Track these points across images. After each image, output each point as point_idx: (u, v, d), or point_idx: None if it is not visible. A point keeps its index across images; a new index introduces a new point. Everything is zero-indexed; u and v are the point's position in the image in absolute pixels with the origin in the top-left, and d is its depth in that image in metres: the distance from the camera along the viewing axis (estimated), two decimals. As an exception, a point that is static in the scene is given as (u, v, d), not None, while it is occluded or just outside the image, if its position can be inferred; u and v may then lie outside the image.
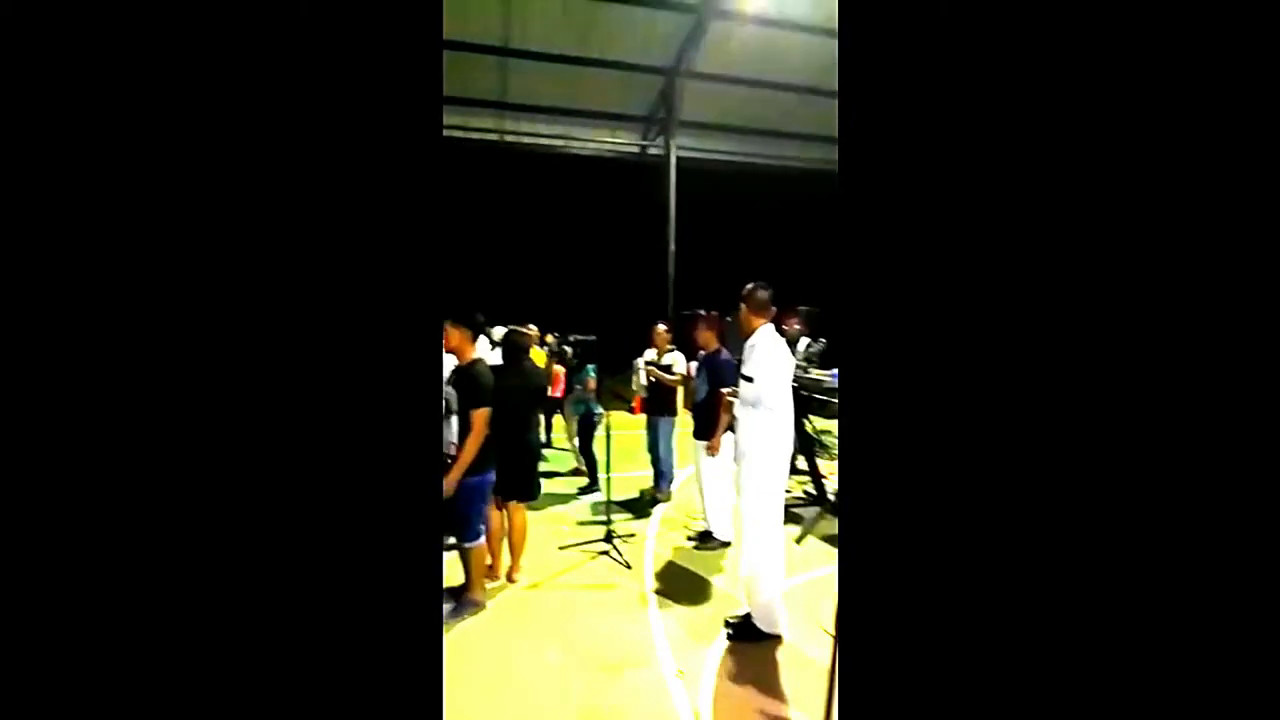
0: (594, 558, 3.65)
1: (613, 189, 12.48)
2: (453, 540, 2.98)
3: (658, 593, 3.23)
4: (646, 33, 9.88)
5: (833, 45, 9.83)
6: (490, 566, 3.25)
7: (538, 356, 4.77)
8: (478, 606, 2.97)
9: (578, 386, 5.10)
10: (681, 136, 11.30)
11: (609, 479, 4.04)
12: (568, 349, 5.30)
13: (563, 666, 2.52)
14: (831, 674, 1.78)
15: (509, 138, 11.40)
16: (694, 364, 4.19)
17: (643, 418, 4.84)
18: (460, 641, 2.70)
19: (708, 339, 3.85)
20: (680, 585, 3.32)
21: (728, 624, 2.79)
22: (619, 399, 5.17)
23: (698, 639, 2.74)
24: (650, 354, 4.71)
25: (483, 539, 2.97)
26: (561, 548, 3.78)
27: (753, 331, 2.70)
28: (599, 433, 4.76)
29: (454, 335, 2.85)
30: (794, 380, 2.80)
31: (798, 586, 3.15)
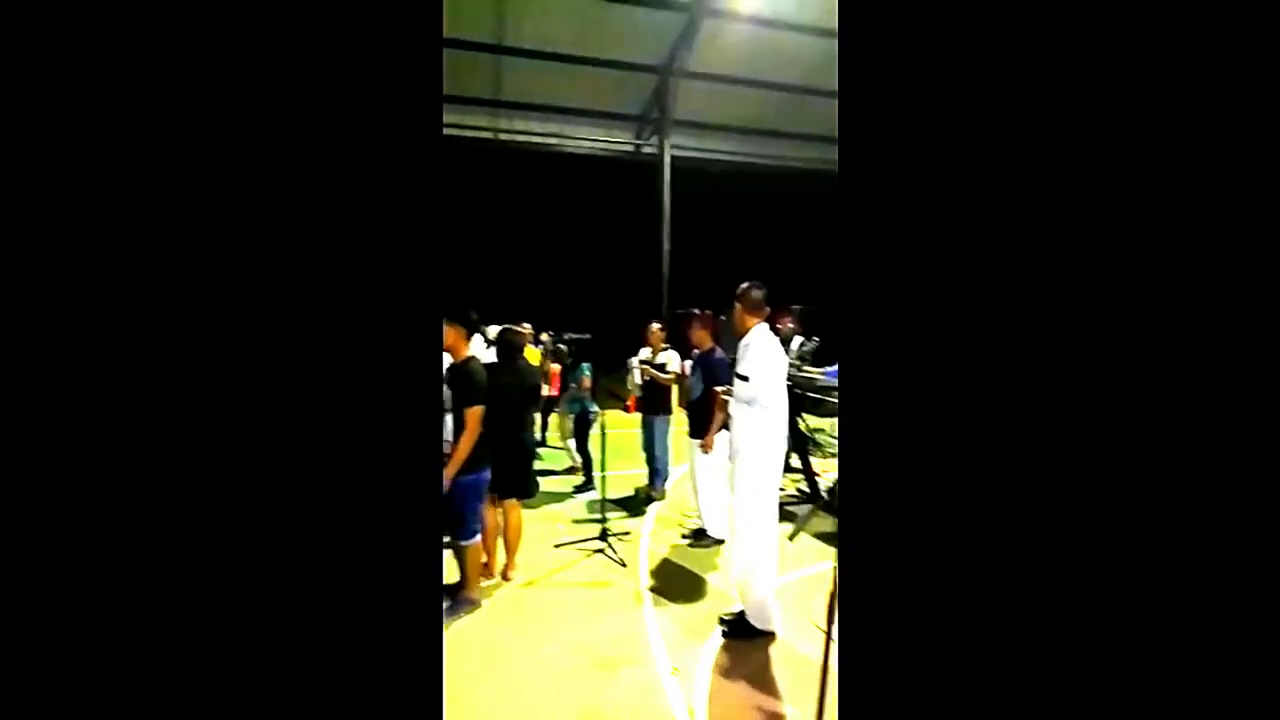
0: (589, 556, 3.66)
1: (607, 188, 12.47)
2: (448, 538, 2.98)
3: (652, 590, 3.24)
4: (640, 31, 9.87)
5: (825, 45, 9.91)
6: (485, 564, 3.26)
7: (532, 355, 4.77)
8: (473, 605, 2.98)
9: (573, 385, 5.10)
10: (675, 135, 11.30)
11: (604, 477, 4.05)
12: (563, 347, 5.30)
13: (558, 664, 2.53)
14: (824, 670, 1.79)
15: (503, 136, 11.37)
16: (688, 363, 4.20)
17: (637, 416, 4.85)
18: (456, 639, 2.70)
19: (702, 338, 3.86)
20: (675, 583, 3.34)
21: (722, 621, 2.81)
22: (614, 397, 5.18)
23: (692, 636, 2.75)
24: (645, 353, 4.72)
25: (478, 537, 2.98)
26: (557, 546, 3.79)
27: (747, 330, 2.71)
28: (594, 431, 4.77)
29: (448, 333, 2.85)
30: (788, 379, 2.82)
31: (791, 583, 3.17)
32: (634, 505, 4.65)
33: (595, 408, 4.91)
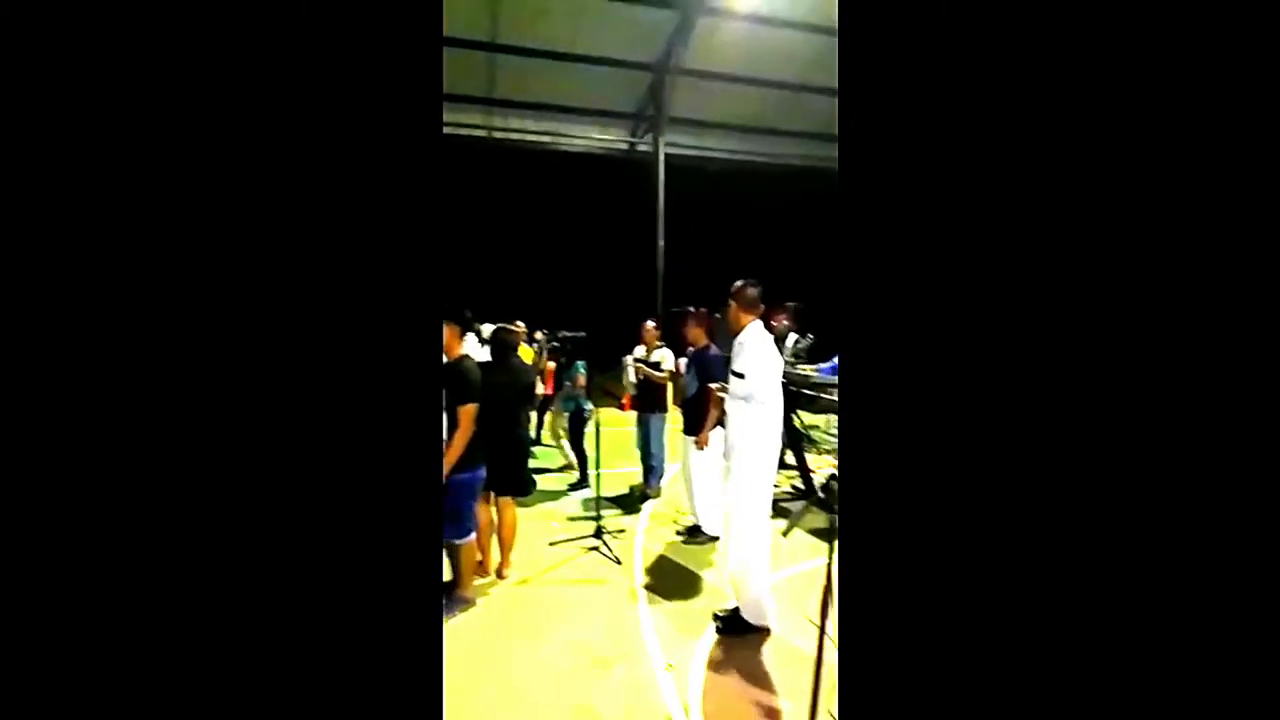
0: (584, 553, 3.66)
1: (601, 186, 12.45)
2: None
3: (647, 588, 3.24)
4: (635, 29, 9.85)
5: (820, 42, 9.92)
6: (480, 562, 3.25)
7: (525, 354, 4.77)
8: (467, 603, 2.98)
9: (567, 383, 5.10)
10: (670, 133, 11.29)
11: (598, 475, 4.05)
12: (556, 344, 5.29)
13: (553, 661, 2.53)
14: (818, 664, 1.80)
15: (497, 134, 11.33)
16: (683, 360, 4.20)
17: (632, 414, 4.85)
18: (450, 638, 2.70)
19: (697, 335, 3.87)
20: (670, 580, 3.34)
21: (716, 618, 2.81)
22: (609, 395, 5.18)
23: (687, 633, 2.76)
24: (639, 351, 4.72)
25: (473, 535, 2.97)
26: (552, 544, 3.79)
27: (742, 328, 2.72)
28: (588, 429, 4.77)
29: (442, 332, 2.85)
30: (783, 375, 2.82)
31: (785, 580, 3.18)
32: (629, 503, 4.65)
33: (590, 406, 4.90)
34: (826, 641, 1.80)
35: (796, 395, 4.41)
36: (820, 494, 4.32)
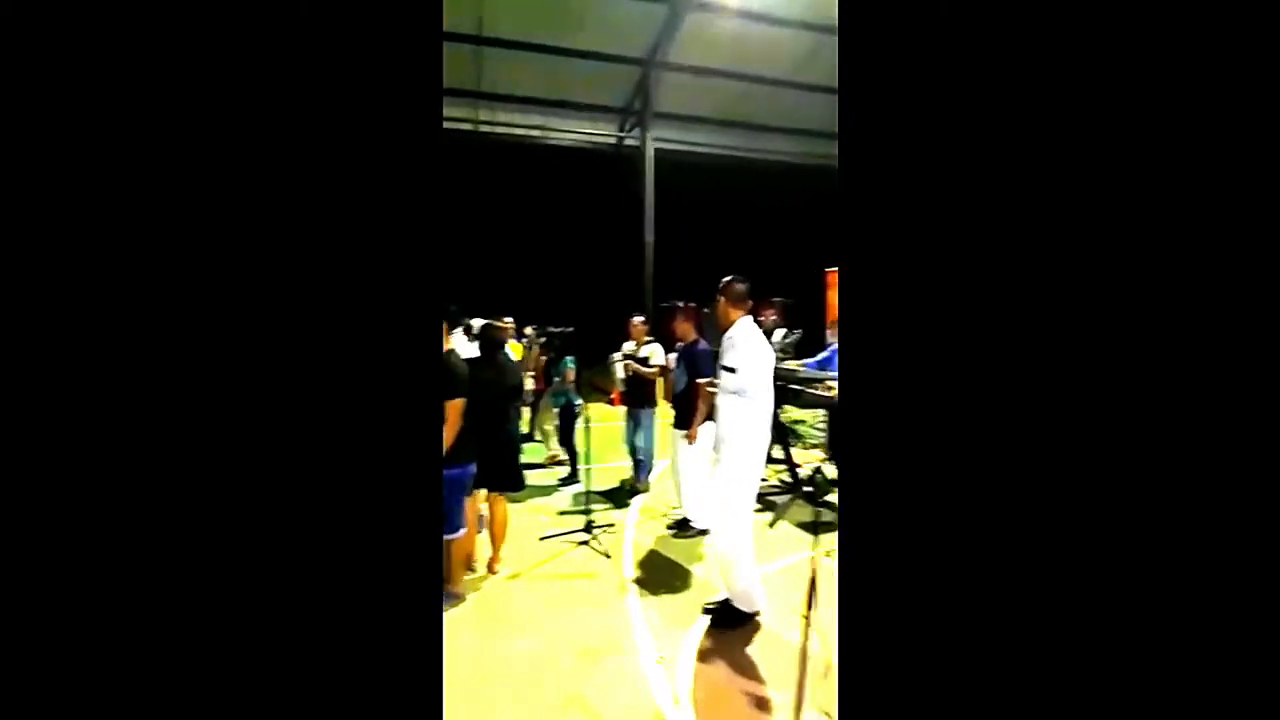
0: (574, 548, 3.68)
1: (589, 180, 12.42)
2: (431, 533, 2.98)
3: (637, 581, 3.27)
4: (622, 23, 9.81)
5: (808, 38, 9.95)
6: (469, 557, 3.26)
7: (515, 350, 4.76)
8: (457, 598, 2.98)
9: (556, 378, 5.10)
10: (658, 128, 11.28)
11: (588, 470, 4.07)
12: (544, 340, 5.29)
13: (544, 655, 2.55)
14: (803, 654, 1.83)
15: (483, 127, 11.25)
16: (672, 355, 4.22)
17: (621, 409, 4.87)
18: (441, 633, 2.70)
19: (685, 330, 3.89)
20: (659, 573, 3.37)
21: (706, 610, 2.85)
22: (598, 390, 5.19)
23: (677, 625, 2.79)
24: (628, 346, 4.73)
25: (462, 531, 2.98)
26: (542, 538, 3.80)
27: (731, 324, 2.74)
28: (579, 424, 4.78)
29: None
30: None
31: (774, 572, 3.22)
32: (619, 497, 4.67)
33: (580, 401, 4.91)
34: (812, 632, 1.83)
35: (784, 390, 4.45)
36: (806, 487, 4.37)
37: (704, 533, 3.83)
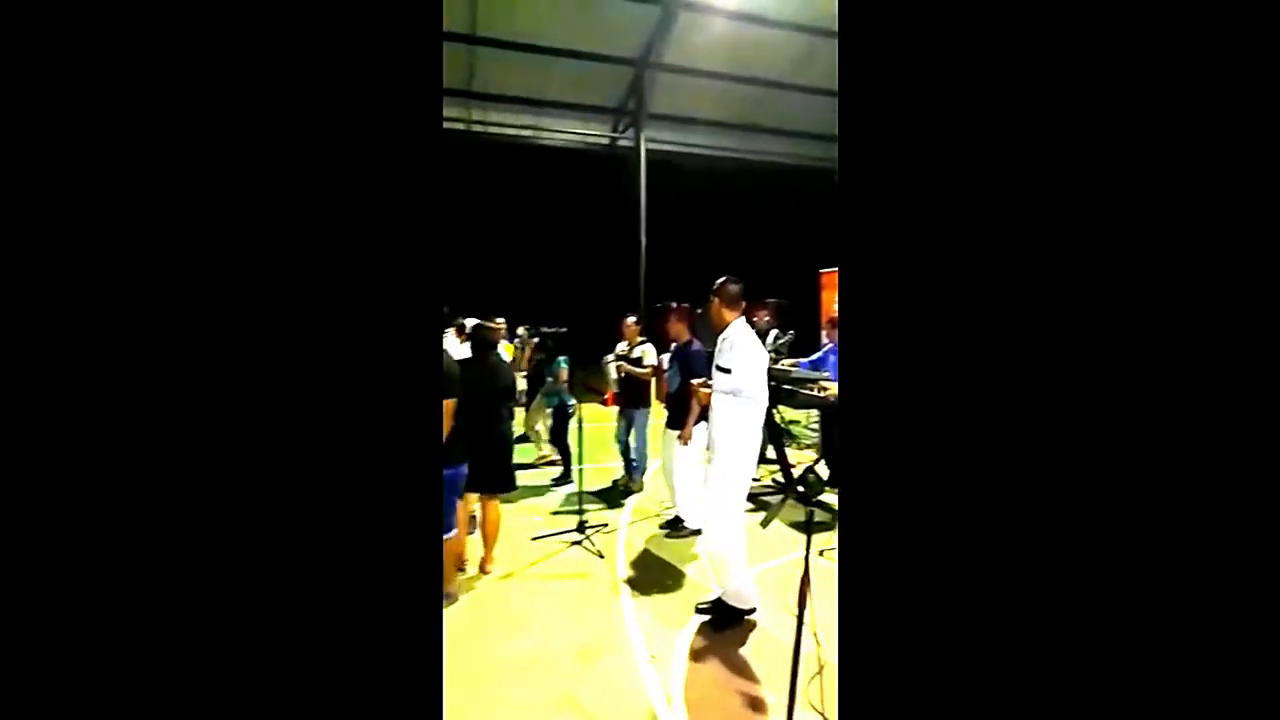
0: (567, 548, 3.67)
1: (583, 181, 12.42)
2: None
3: (630, 581, 3.27)
4: (616, 23, 9.82)
5: (802, 40, 9.98)
6: (460, 557, 3.25)
7: (506, 350, 4.76)
8: (450, 599, 2.97)
9: (549, 379, 5.10)
10: (651, 129, 11.29)
11: (581, 470, 4.07)
12: (537, 339, 5.29)
13: (537, 654, 2.55)
14: (795, 653, 1.84)
15: (476, 127, 11.23)
16: (666, 356, 4.23)
17: (614, 410, 4.87)
18: (433, 634, 2.69)
19: (679, 331, 3.90)
20: (652, 573, 3.37)
21: (699, 610, 2.85)
22: (591, 391, 5.19)
23: (669, 625, 2.79)
24: (621, 347, 4.74)
25: (454, 531, 2.97)
26: (535, 538, 3.79)
27: (726, 325, 2.75)
28: (572, 424, 4.78)
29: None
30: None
31: (764, 572, 3.22)
32: (612, 497, 4.67)
33: (573, 401, 4.91)
34: (804, 631, 1.84)
35: (777, 390, 4.47)
36: (799, 487, 4.38)
37: (697, 532, 3.83)
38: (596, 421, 5.25)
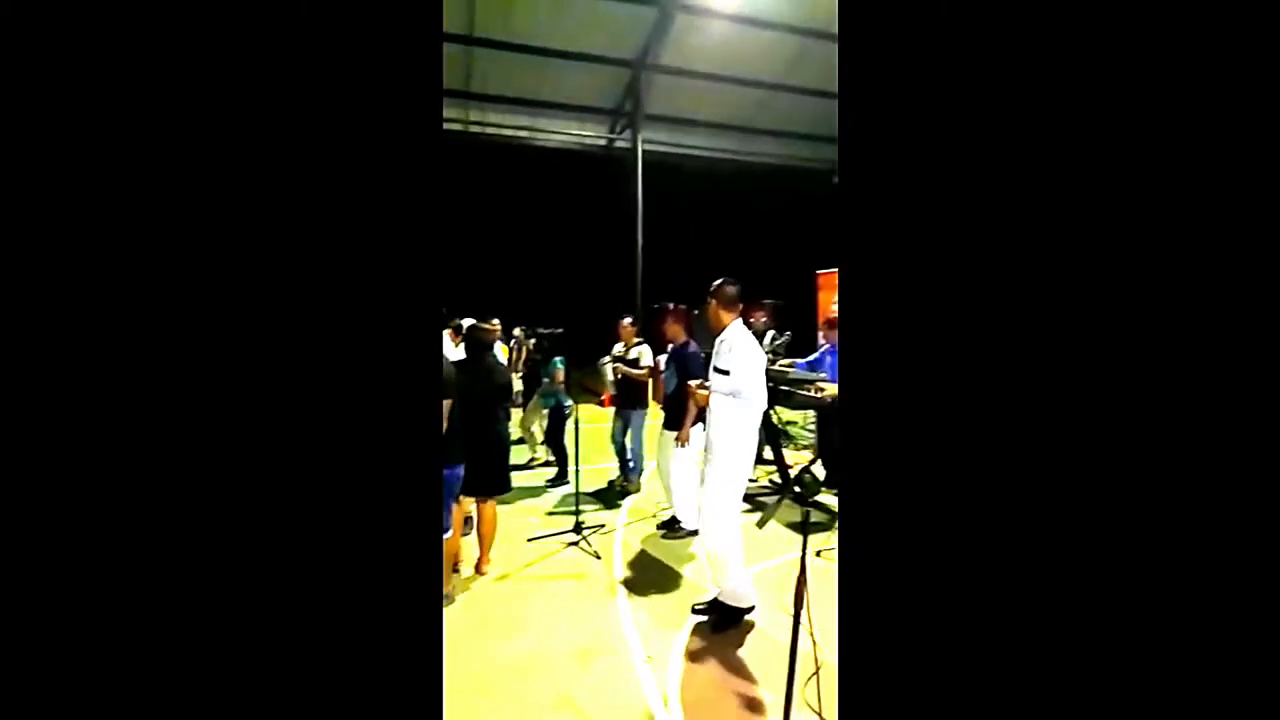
0: (564, 548, 3.67)
1: (579, 182, 12.42)
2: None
3: (626, 582, 3.27)
4: (613, 25, 9.82)
5: (796, 43, 10.00)
6: (455, 558, 3.25)
7: (501, 351, 4.75)
8: (445, 599, 2.97)
9: (546, 379, 5.10)
10: (648, 130, 11.30)
11: (578, 471, 4.06)
12: (533, 340, 5.29)
13: (533, 655, 2.54)
14: (792, 653, 1.84)
15: (473, 128, 11.22)
16: (662, 357, 4.23)
17: (610, 410, 4.87)
18: (429, 635, 2.69)
19: (676, 332, 3.90)
20: (649, 574, 3.37)
21: (696, 610, 2.85)
22: (588, 392, 5.20)
23: (666, 625, 2.79)
24: (618, 348, 4.74)
25: (449, 532, 2.96)
26: (531, 539, 3.79)
27: (723, 326, 2.75)
28: (568, 425, 4.78)
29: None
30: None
31: (761, 572, 3.22)
32: (609, 498, 4.67)
33: (569, 402, 4.91)
34: (801, 631, 1.84)
35: (774, 391, 4.47)
36: (795, 488, 4.38)
37: (694, 533, 3.83)
38: (593, 422, 5.25)
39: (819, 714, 2.08)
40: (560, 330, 5.11)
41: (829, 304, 9.68)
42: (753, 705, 2.22)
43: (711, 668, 2.46)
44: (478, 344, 3.25)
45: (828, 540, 3.54)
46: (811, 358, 4.99)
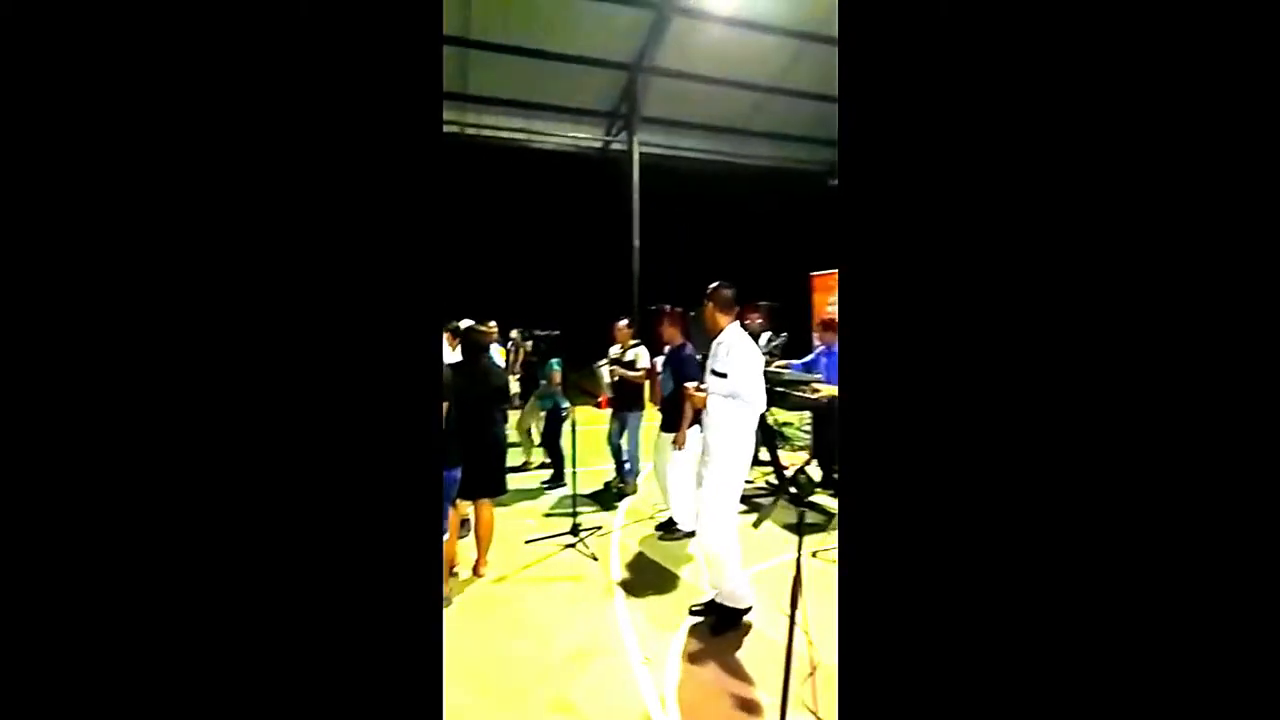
0: (561, 550, 3.67)
1: (576, 184, 12.43)
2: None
3: (624, 584, 3.27)
4: (609, 27, 9.84)
5: (793, 46, 10.04)
6: (451, 561, 3.25)
7: (498, 353, 4.76)
8: (443, 601, 2.97)
9: (543, 381, 5.10)
10: (644, 132, 11.31)
11: (574, 473, 4.07)
12: (530, 342, 5.30)
13: (531, 657, 2.55)
14: (788, 654, 1.85)
15: (470, 130, 11.22)
16: (659, 359, 4.24)
17: (607, 412, 4.87)
18: (426, 638, 2.69)
19: (672, 334, 3.91)
20: (646, 576, 3.38)
21: (693, 611, 2.86)
22: (584, 394, 5.20)
23: (663, 627, 2.80)
24: (614, 350, 4.74)
25: (446, 535, 2.97)
26: (528, 541, 3.79)
27: (719, 329, 2.76)
28: (565, 427, 4.78)
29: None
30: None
31: (757, 573, 3.24)
32: (606, 500, 4.67)
33: (567, 404, 4.91)
34: (796, 632, 1.85)
35: (770, 392, 4.48)
36: (791, 489, 4.39)
37: (691, 534, 3.84)
38: (590, 424, 5.25)
39: (815, 715, 2.09)
40: (557, 332, 5.12)
41: (824, 305, 9.72)
42: (750, 706, 2.23)
43: (709, 669, 2.47)
44: (474, 346, 3.25)
45: (823, 541, 3.56)
46: (807, 359, 5.01)
